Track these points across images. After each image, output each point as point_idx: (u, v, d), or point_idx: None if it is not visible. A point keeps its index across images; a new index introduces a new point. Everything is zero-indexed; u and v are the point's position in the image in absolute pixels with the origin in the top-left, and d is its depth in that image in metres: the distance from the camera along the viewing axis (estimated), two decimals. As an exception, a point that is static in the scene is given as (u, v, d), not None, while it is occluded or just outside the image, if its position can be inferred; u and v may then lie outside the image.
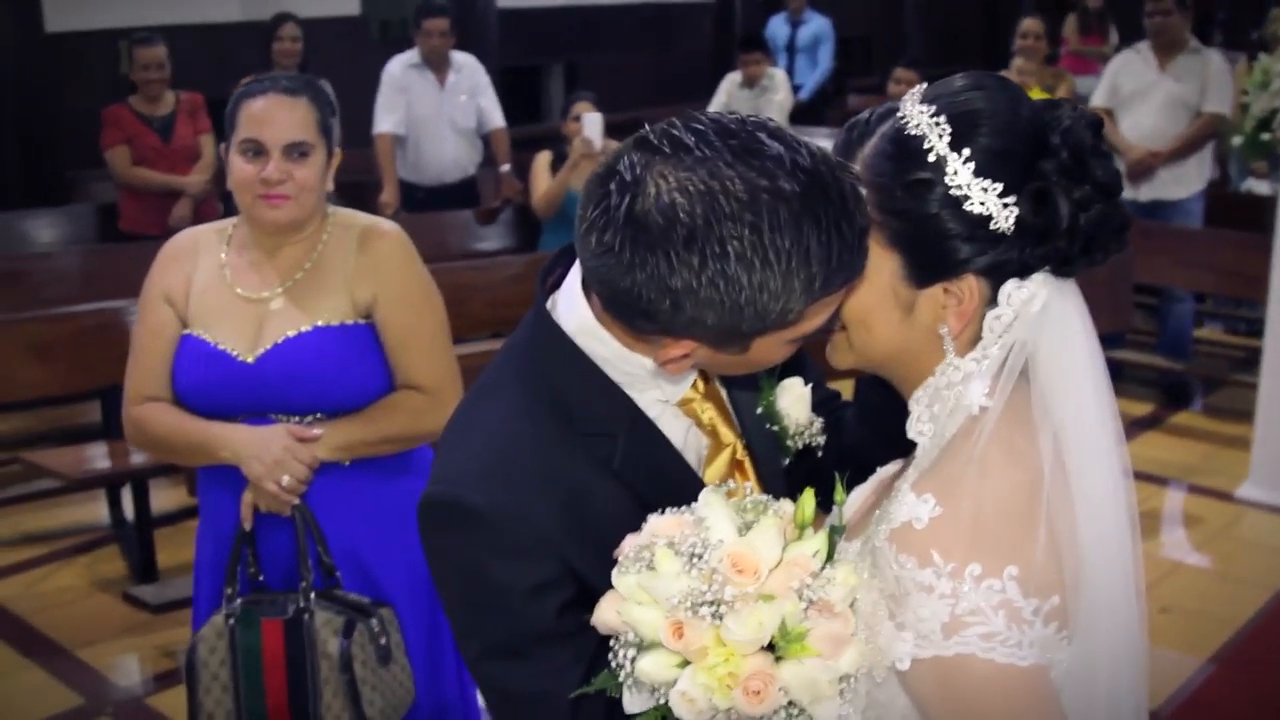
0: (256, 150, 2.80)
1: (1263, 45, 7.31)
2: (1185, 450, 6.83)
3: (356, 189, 8.48)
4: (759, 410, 1.80)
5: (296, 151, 2.82)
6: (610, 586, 1.51)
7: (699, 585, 1.43)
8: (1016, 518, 1.46)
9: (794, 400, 1.81)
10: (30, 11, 10.01)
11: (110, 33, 9.99)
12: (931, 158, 1.49)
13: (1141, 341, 8.14)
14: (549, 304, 1.67)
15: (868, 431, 1.85)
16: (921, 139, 1.50)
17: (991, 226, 1.49)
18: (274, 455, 2.78)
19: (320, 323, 2.85)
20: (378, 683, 2.81)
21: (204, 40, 10.29)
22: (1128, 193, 7.46)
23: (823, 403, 1.89)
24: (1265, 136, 5.81)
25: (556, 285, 1.69)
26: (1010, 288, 1.52)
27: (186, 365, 2.86)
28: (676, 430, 1.69)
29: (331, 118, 2.96)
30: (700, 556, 1.45)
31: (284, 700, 2.79)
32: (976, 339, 1.55)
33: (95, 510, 6.09)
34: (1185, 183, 7.47)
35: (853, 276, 1.50)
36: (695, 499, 1.55)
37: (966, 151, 1.48)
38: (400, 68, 8.02)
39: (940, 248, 1.51)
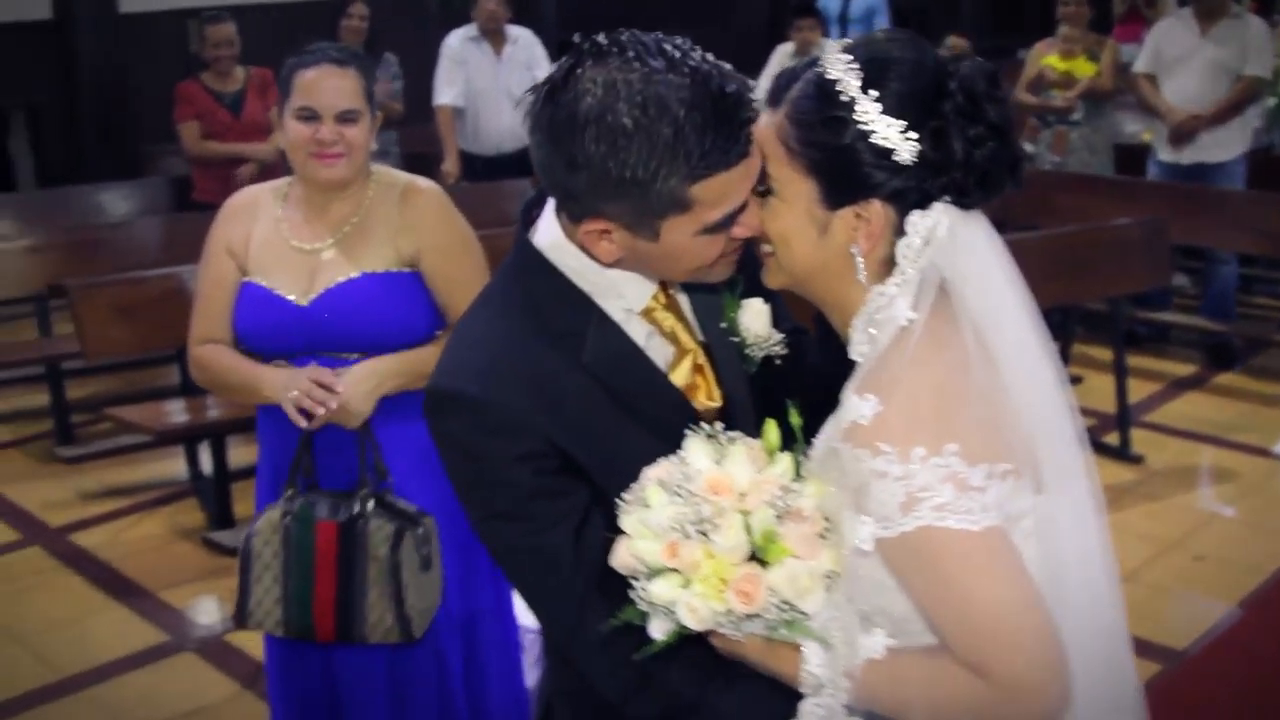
0: (311, 115, 3.09)
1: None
2: (1226, 409, 6.96)
3: (419, 160, 8.70)
4: (723, 325, 2.04)
5: (347, 116, 3.11)
6: (591, 466, 1.84)
7: (684, 509, 1.71)
8: (950, 399, 1.66)
9: (754, 315, 2.05)
10: (106, -9, 10.33)
11: (180, 12, 10.28)
12: (845, 98, 1.71)
13: (1187, 305, 8.27)
14: (530, 232, 1.94)
15: (828, 350, 2.08)
16: (836, 81, 1.72)
17: (895, 158, 1.71)
18: (300, 387, 3.03)
19: (367, 270, 3.13)
20: (417, 585, 3.07)
21: (271, 18, 10.54)
22: (1170, 155, 7.60)
23: (790, 333, 2.13)
24: (1296, 100, 5.93)
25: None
26: (915, 217, 1.74)
27: (247, 309, 3.16)
28: (639, 336, 1.93)
29: (374, 84, 3.25)
30: (683, 487, 1.72)
31: (331, 594, 3.06)
32: (886, 263, 1.78)
33: (174, 466, 6.41)
34: (1227, 145, 7.56)
35: (730, 161, 1.73)
36: (660, 392, 1.90)
37: (875, 93, 1.70)
38: (459, 41, 8.23)
39: (851, 175, 1.73)
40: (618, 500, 1.76)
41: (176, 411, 5.94)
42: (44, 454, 6.79)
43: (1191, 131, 7.50)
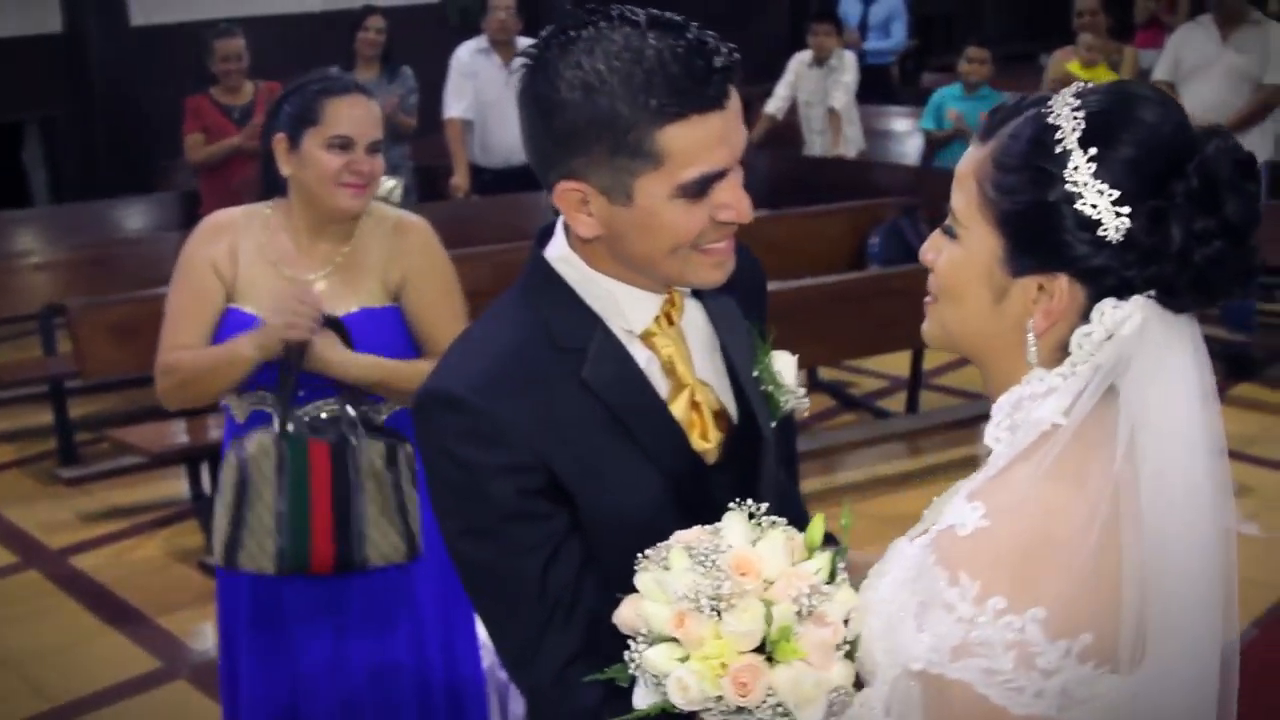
0: (346, 144, 3.01)
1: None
2: (1244, 421, 6.81)
3: (429, 173, 8.68)
4: (755, 373, 1.97)
5: (375, 147, 3.07)
6: (578, 487, 1.78)
7: (704, 581, 1.58)
8: (1063, 549, 1.42)
9: (784, 365, 1.99)
10: (117, 5, 10.31)
11: (194, 25, 10.27)
12: (1058, 149, 1.48)
13: (1206, 314, 8.11)
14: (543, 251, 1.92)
15: None
16: (1055, 129, 1.49)
17: (1099, 232, 1.46)
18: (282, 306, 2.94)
19: (364, 304, 3.06)
20: (414, 501, 3.02)
21: (285, 31, 10.54)
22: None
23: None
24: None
25: None
26: (1105, 306, 1.49)
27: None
28: (639, 360, 1.87)
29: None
30: (710, 559, 1.60)
31: (329, 518, 2.98)
32: (1060, 350, 1.53)
33: (175, 486, 6.34)
34: (1248, 155, 7.43)
35: (702, 105, 1.67)
36: (658, 418, 1.83)
37: (1093, 150, 1.46)
38: (468, 54, 8.20)
39: (1043, 238, 1.49)
40: (640, 556, 1.66)
41: (178, 432, 5.90)
42: (45, 474, 6.76)
43: None
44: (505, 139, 8.11)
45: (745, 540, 1.63)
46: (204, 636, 5.05)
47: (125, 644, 5.03)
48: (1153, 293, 1.47)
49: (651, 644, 1.61)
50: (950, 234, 1.59)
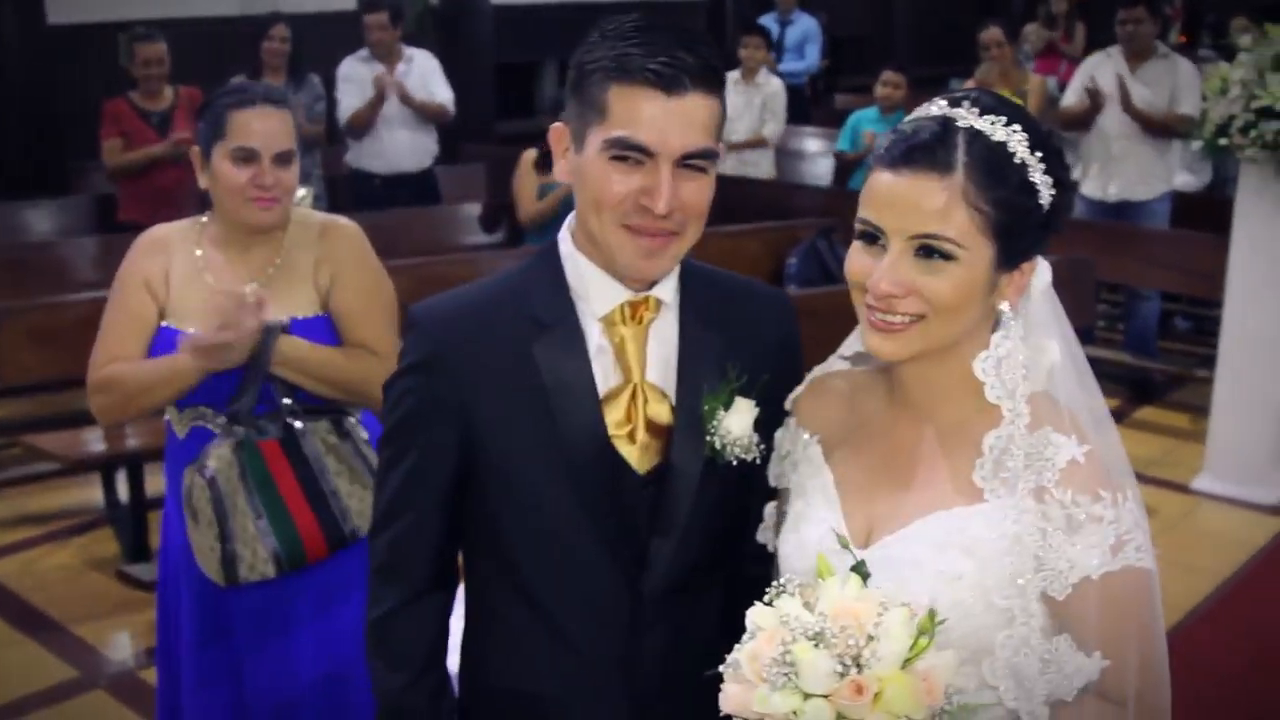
0: (249, 157, 3.02)
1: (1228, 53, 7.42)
2: (1146, 444, 6.99)
3: (340, 182, 8.73)
4: (705, 407, 2.01)
5: (284, 158, 3.06)
6: (497, 448, 1.97)
7: (837, 651, 1.62)
8: (1110, 447, 1.84)
9: (738, 417, 2.01)
10: (32, 3, 10.16)
11: (111, 25, 10.16)
12: (1017, 160, 1.77)
13: (1110, 339, 8.35)
14: None
15: None
16: (1005, 144, 1.77)
17: (1047, 214, 1.80)
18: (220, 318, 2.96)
19: (296, 315, 3.07)
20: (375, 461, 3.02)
21: (202, 34, 10.44)
22: (1096, 192, 7.66)
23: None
24: (1223, 142, 5.97)
25: None
26: (1040, 265, 1.85)
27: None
28: (591, 342, 1.99)
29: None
30: (815, 634, 1.64)
31: (307, 509, 3.02)
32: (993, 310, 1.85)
33: (90, 493, 6.30)
34: (1151, 184, 7.65)
35: (646, 81, 1.85)
36: (581, 411, 1.96)
37: (1039, 154, 1.78)
38: (350, 64, 8.45)
39: (1028, 234, 1.80)
40: (727, 662, 1.71)
41: (93, 439, 5.81)
42: (-43, 479, 6.65)
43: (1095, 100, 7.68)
44: (391, 146, 8.41)
45: (801, 607, 1.68)
46: (122, 646, 5.05)
47: (41, 653, 4.98)
48: None
49: None
50: (941, 256, 1.75)
